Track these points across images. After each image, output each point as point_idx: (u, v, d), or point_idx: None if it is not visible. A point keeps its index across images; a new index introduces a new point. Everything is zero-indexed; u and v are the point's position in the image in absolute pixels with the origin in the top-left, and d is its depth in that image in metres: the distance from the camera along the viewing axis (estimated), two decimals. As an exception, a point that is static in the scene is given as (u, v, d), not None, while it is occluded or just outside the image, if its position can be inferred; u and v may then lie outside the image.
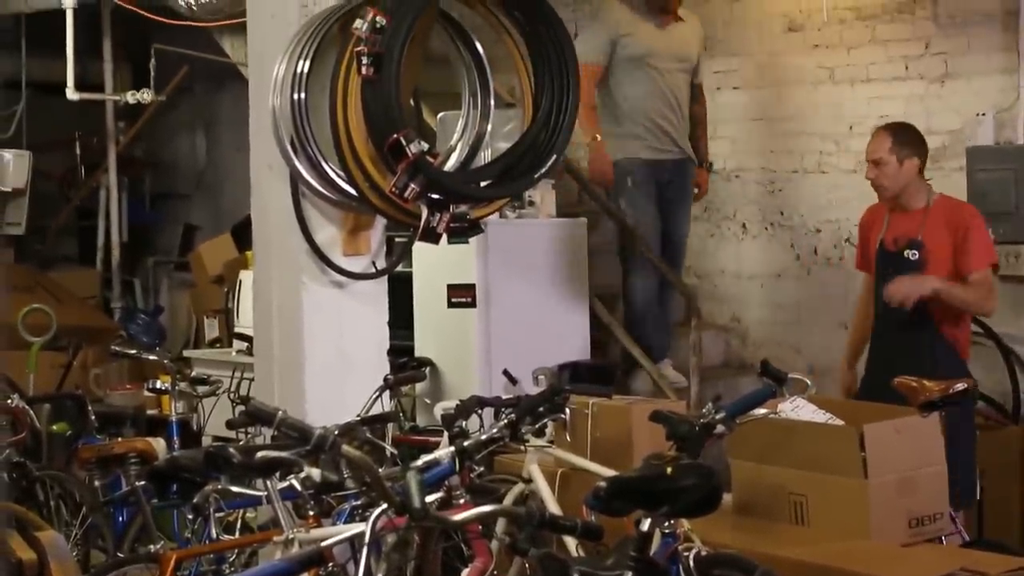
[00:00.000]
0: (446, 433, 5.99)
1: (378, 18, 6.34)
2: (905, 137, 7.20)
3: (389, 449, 6.65)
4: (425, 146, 6.46)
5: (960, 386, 6.23)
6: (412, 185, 6.42)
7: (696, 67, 9.32)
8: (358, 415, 6.63)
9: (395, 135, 6.36)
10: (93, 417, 7.88)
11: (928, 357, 6.91)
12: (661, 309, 9.27)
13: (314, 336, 6.92)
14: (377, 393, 6.95)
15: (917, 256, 7.05)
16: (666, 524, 4.70)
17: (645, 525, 4.49)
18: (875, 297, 7.23)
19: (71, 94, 11.19)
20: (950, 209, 7.15)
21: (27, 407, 7.79)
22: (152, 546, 6.48)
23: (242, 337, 9.62)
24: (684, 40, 9.22)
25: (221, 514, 6.06)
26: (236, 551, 6.34)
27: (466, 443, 5.67)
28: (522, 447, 6.22)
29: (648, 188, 9.16)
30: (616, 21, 9.13)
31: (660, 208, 9.22)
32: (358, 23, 6.38)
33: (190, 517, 6.61)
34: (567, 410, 6.23)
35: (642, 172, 9.12)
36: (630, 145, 9.11)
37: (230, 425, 7.38)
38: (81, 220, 13.72)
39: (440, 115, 8.43)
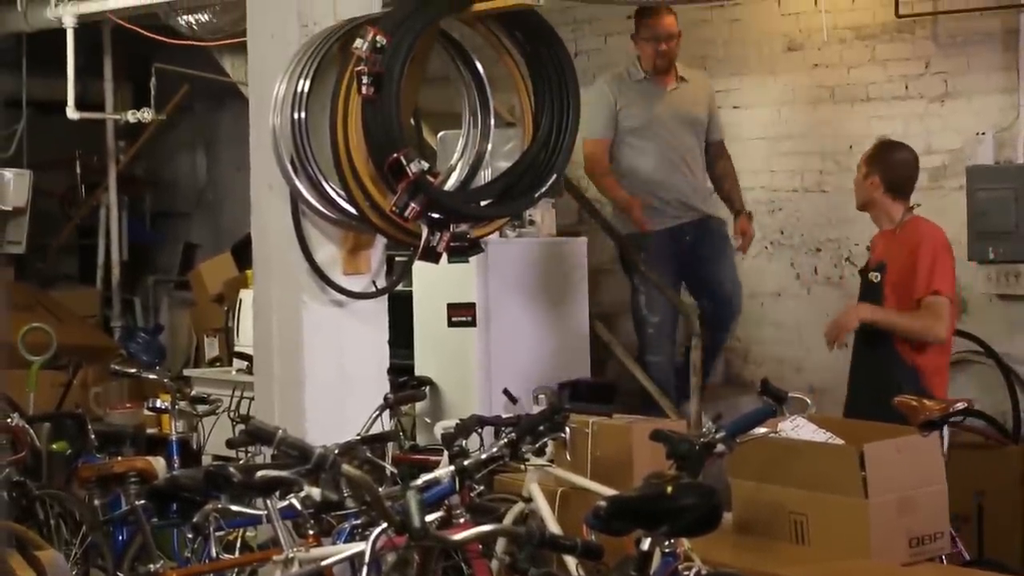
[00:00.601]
0: (446, 452, 5.98)
1: (378, 38, 6.36)
2: (877, 154, 7.23)
3: (389, 468, 6.64)
4: (425, 165, 6.47)
5: (960, 405, 6.23)
6: (412, 204, 6.43)
7: (710, 125, 9.14)
8: (358, 434, 6.63)
9: (395, 154, 6.37)
10: (93, 436, 7.87)
11: (890, 378, 6.88)
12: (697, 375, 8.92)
13: (314, 355, 6.92)
14: (377, 412, 6.95)
15: (879, 279, 7.05)
16: (666, 543, 4.70)
17: (645, 544, 4.49)
18: None
19: (72, 113, 11.20)
20: (915, 231, 7.08)
21: (27, 426, 7.79)
22: (152, 565, 6.44)
23: (242, 356, 9.62)
24: (688, 101, 9.04)
25: (221, 533, 6.06)
26: (236, 570, 6.32)
27: (466, 462, 5.67)
28: (522, 466, 6.21)
29: (665, 259, 8.95)
30: (613, 94, 8.99)
31: (694, 270, 9.06)
32: (358, 43, 6.39)
33: (190, 536, 6.61)
34: (567, 429, 6.22)
35: (657, 242, 8.92)
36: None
37: (230, 444, 7.37)
38: (81, 239, 13.73)
39: (440, 134, 8.43)
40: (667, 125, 8.95)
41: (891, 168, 7.16)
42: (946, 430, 6.40)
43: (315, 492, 4.79)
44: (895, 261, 7.02)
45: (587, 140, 8.88)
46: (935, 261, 6.94)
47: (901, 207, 7.13)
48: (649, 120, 8.92)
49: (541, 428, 6.04)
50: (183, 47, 10.66)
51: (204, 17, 10.31)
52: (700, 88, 9.16)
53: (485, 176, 7.25)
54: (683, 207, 8.97)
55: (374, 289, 7.08)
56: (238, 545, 6.61)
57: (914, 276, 6.91)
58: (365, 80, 6.35)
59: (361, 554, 4.63)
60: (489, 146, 7.05)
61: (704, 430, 5.65)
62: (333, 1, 6.89)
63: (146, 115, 11.70)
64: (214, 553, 6.01)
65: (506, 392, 8.36)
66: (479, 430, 6.46)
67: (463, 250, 6.80)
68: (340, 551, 5.10)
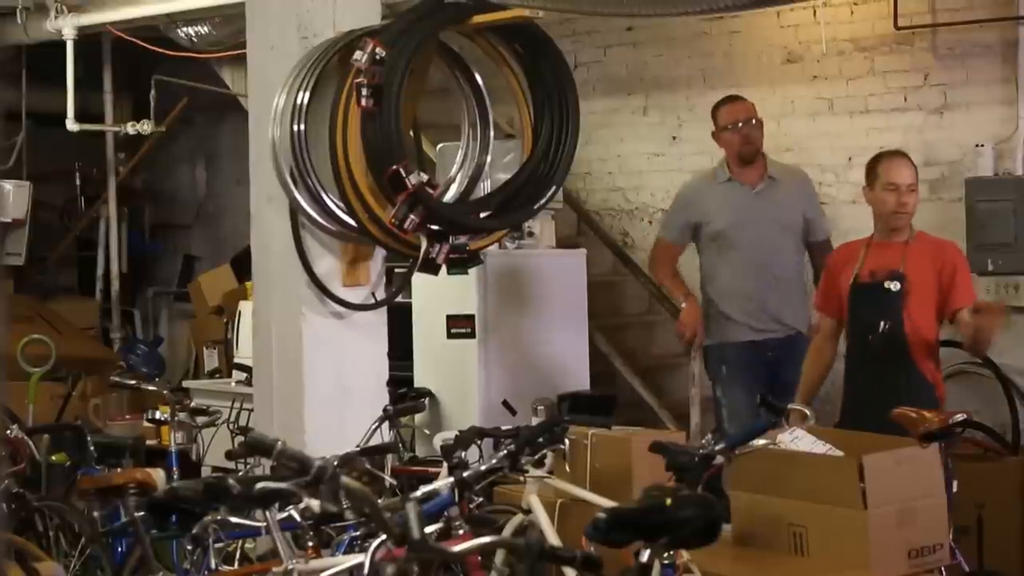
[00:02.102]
0: (445, 464, 5.98)
1: (378, 50, 6.37)
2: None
3: (388, 480, 6.64)
4: (424, 177, 6.48)
5: (960, 416, 6.23)
6: (412, 216, 6.44)
7: (810, 225, 8.29)
8: (357, 446, 6.62)
9: (395, 166, 6.38)
10: (92, 448, 7.86)
11: (904, 391, 6.83)
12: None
13: (314, 367, 6.93)
14: (376, 424, 6.95)
15: (899, 287, 6.95)
16: (666, 555, 4.69)
17: (645, 556, 4.49)
18: (850, 332, 7.20)
19: (71, 125, 11.21)
20: (935, 245, 7.09)
21: (26, 438, 7.79)
22: (151, 577, 6.47)
23: (241, 367, 9.61)
24: (779, 202, 8.24)
25: (220, 545, 6.04)
26: (235, 582, 6.32)
27: (465, 474, 5.67)
28: (521, 478, 6.21)
29: (745, 375, 8.16)
30: (693, 201, 8.38)
31: (776, 388, 7.71)
32: (358, 55, 6.40)
33: (189, 548, 6.59)
34: (566, 441, 6.22)
35: (738, 357, 8.21)
36: (723, 328, 8.28)
37: (229, 456, 7.37)
38: (81, 251, 13.73)
39: (440, 146, 8.44)
40: (752, 231, 8.20)
41: None
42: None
43: (314, 504, 4.78)
44: (919, 273, 6.93)
45: (659, 237, 8.58)
46: (968, 274, 7.10)
47: None
48: (731, 226, 8.21)
49: (540, 440, 6.04)
50: (183, 59, 10.68)
51: (204, 29, 10.33)
52: (793, 186, 8.38)
53: (484, 188, 7.27)
54: (770, 320, 8.21)
55: (373, 301, 7.08)
56: (237, 557, 6.60)
57: (952, 288, 6.91)
58: (364, 92, 6.37)
59: (360, 566, 4.63)
60: (488, 158, 7.06)
61: (703, 442, 5.65)
62: (333, 13, 6.90)
63: (146, 127, 11.71)
64: (213, 565, 5.99)
65: (505, 404, 8.36)
66: (478, 442, 6.46)
67: (462, 262, 6.81)
68: (339, 563, 5.10)
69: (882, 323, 6.97)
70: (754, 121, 8.26)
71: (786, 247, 8.24)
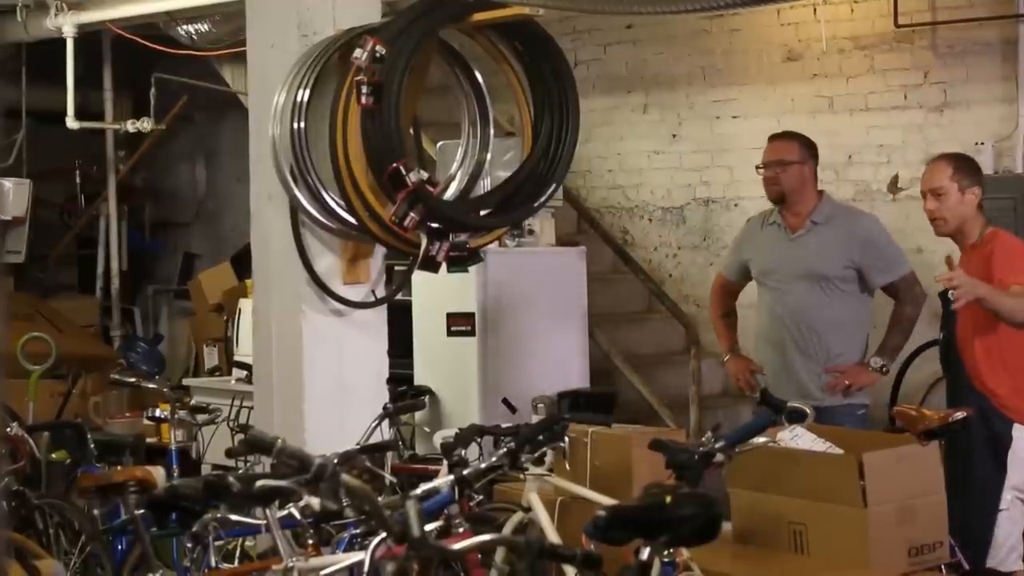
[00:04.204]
0: (445, 462, 5.98)
1: (378, 47, 6.36)
2: (964, 168, 6.78)
3: (388, 478, 6.63)
4: (424, 175, 6.47)
5: (959, 414, 6.23)
6: (411, 214, 6.43)
7: (868, 271, 7.34)
8: (357, 443, 6.62)
9: (395, 164, 6.37)
10: (92, 445, 7.86)
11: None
12: None
13: (314, 364, 6.92)
14: (376, 421, 6.95)
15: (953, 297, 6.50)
16: (666, 553, 4.69)
17: (645, 554, 4.49)
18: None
19: (71, 123, 11.21)
20: (992, 240, 6.70)
21: (26, 435, 7.78)
22: (151, 575, 6.46)
23: (241, 365, 9.62)
24: (816, 251, 7.39)
25: (220, 542, 6.04)
26: (235, 580, 6.32)
27: (465, 472, 5.67)
28: (521, 476, 6.21)
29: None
30: (745, 240, 7.85)
31: None
32: (358, 52, 6.40)
33: (189, 545, 6.59)
34: (566, 439, 6.22)
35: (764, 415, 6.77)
36: (762, 377, 7.60)
37: (229, 453, 7.37)
38: (81, 248, 13.74)
39: (440, 144, 8.45)
40: (781, 279, 7.53)
41: (981, 176, 6.81)
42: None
43: (314, 502, 4.78)
44: (972, 276, 6.47)
45: (719, 272, 8.10)
46: (1014, 255, 6.60)
47: (982, 219, 6.77)
48: (763, 272, 7.62)
49: (540, 438, 6.04)
50: (183, 57, 10.68)
51: (204, 27, 10.33)
52: (841, 232, 7.43)
53: (484, 186, 7.26)
54: (786, 379, 7.44)
55: (373, 299, 7.08)
56: (237, 554, 6.61)
57: (992, 272, 6.50)
58: (364, 90, 6.36)
59: (360, 563, 4.64)
60: (488, 156, 7.05)
61: (703, 439, 5.65)
62: (333, 11, 6.90)
63: (146, 125, 11.72)
64: (213, 562, 5.99)
65: (505, 401, 8.37)
66: (478, 440, 6.46)
67: (462, 259, 6.81)
68: (339, 560, 5.11)
69: None
70: (781, 163, 7.49)
71: (817, 304, 7.34)
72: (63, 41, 10.81)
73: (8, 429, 7.65)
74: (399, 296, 7.59)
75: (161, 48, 10.70)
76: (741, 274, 7.80)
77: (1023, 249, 6.68)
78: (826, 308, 7.35)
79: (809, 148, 7.60)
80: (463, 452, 6.03)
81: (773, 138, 7.77)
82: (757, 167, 7.65)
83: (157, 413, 8.14)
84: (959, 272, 6.37)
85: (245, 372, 9.36)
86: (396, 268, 7.89)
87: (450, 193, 6.97)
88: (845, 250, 7.36)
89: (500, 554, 6.02)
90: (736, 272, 7.82)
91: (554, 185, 6.92)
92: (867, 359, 7.36)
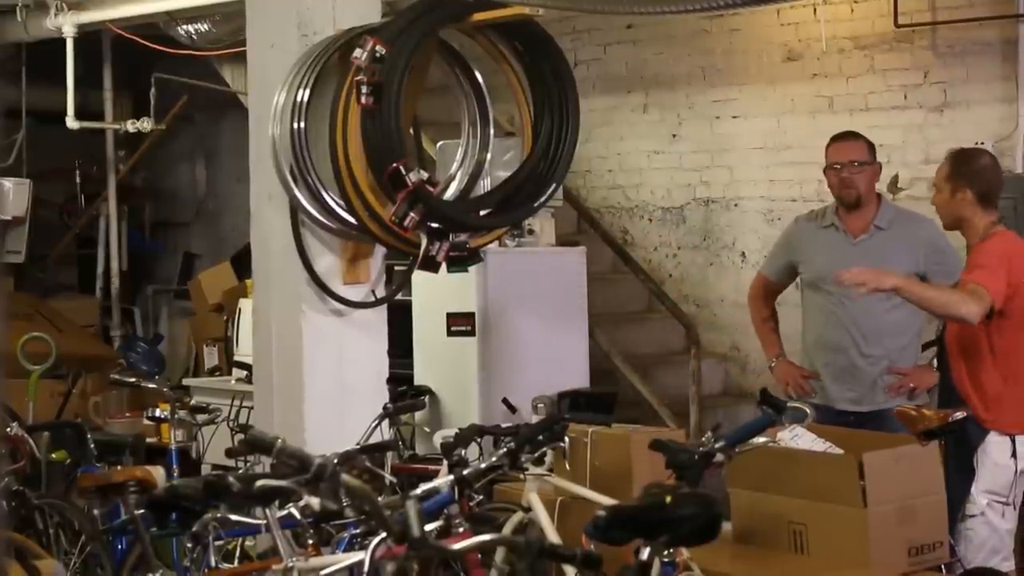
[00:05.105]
0: (445, 461, 5.99)
1: (378, 47, 6.36)
2: (961, 167, 6.69)
3: (388, 477, 6.64)
4: (424, 175, 6.48)
5: (959, 415, 6.22)
6: (411, 214, 6.43)
7: (924, 278, 7.03)
8: (357, 443, 6.62)
9: (395, 164, 6.38)
10: (92, 445, 7.87)
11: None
12: None
13: (314, 364, 6.92)
14: (376, 421, 6.95)
15: None
16: (666, 553, 4.69)
17: (645, 554, 4.49)
18: None
19: (71, 123, 11.21)
20: (990, 241, 6.59)
21: (26, 435, 7.78)
22: (151, 574, 6.46)
23: (241, 365, 9.62)
24: (881, 257, 7.06)
25: (220, 542, 6.04)
26: (235, 580, 6.32)
27: (465, 472, 5.67)
28: (521, 476, 6.21)
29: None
30: (796, 241, 7.55)
31: None
32: (357, 52, 6.40)
33: (189, 545, 6.59)
34: (566, 439, 6.23)
35: (818, 418, 6.76)
36: (822, 388, 7.39)
37: (229, 453, 7.37)
38: (81, 248, 13.74)
39: (440, 144, 8.44)
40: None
41: (979, 178, 6.67)
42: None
43: (314, 501, 4.78)
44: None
45: (759, 271, 7.91)
46: (986, 253, 6.50)
47: (990, 218, 6.63)
48: (823, 276, 7.28)
49: (540, 437, 6.04)
50: (183, 57, 10.68)
51: (204, 27, 10.33)
52: (905, 237, 7.25)
53: (484, 186, 7.26)
54: (846, 387, 7.29)
55: (373, 299, 7.08)
56: (237, 554, 6.61)
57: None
58: (364, 90, 6.36)
59: (360, 563, 4.64)
60: (488, 156, 7.06)
61: (703, 439, 5.64)
62: (333, 11, 6.90)
63: (146, 125, 11.72)
64: (213, 562, 5.99)
65: (505, 401, 8.36)
66: (478, 439, 6.46)
67: (462, 259, 6.81)
68: (339, 560, 5.11)
69: None
70: (857, 164, 7.25)
71: (882, 304, 7.09)
72: (63, 41, 10.81)
73: (8, 429, 7.65)
74: (399, 296, 7.59)
75: (161, 48, 10.70)
76: (786, 274, 7.62)
77: (1001, 250, 6.53)
78: (889, 313, 7.15)
79: (873, 149, 7.45)
80: (463, 452, 6.04)
81: (839, 138, 7.49)
82: (827, 168, 7.37)
83: (157, 413, 8.14)
84: (855, 269, 6.39)
85: (245, 372, 9.36)
86: (396, 268, 7.89)
87: (450, 193, 6.98)
88: (910, 256, 7.18)
89: (500, 554, 6.02)
90: (781, 272, 7.63)
91: (554, 185, 6.93)
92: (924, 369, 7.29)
